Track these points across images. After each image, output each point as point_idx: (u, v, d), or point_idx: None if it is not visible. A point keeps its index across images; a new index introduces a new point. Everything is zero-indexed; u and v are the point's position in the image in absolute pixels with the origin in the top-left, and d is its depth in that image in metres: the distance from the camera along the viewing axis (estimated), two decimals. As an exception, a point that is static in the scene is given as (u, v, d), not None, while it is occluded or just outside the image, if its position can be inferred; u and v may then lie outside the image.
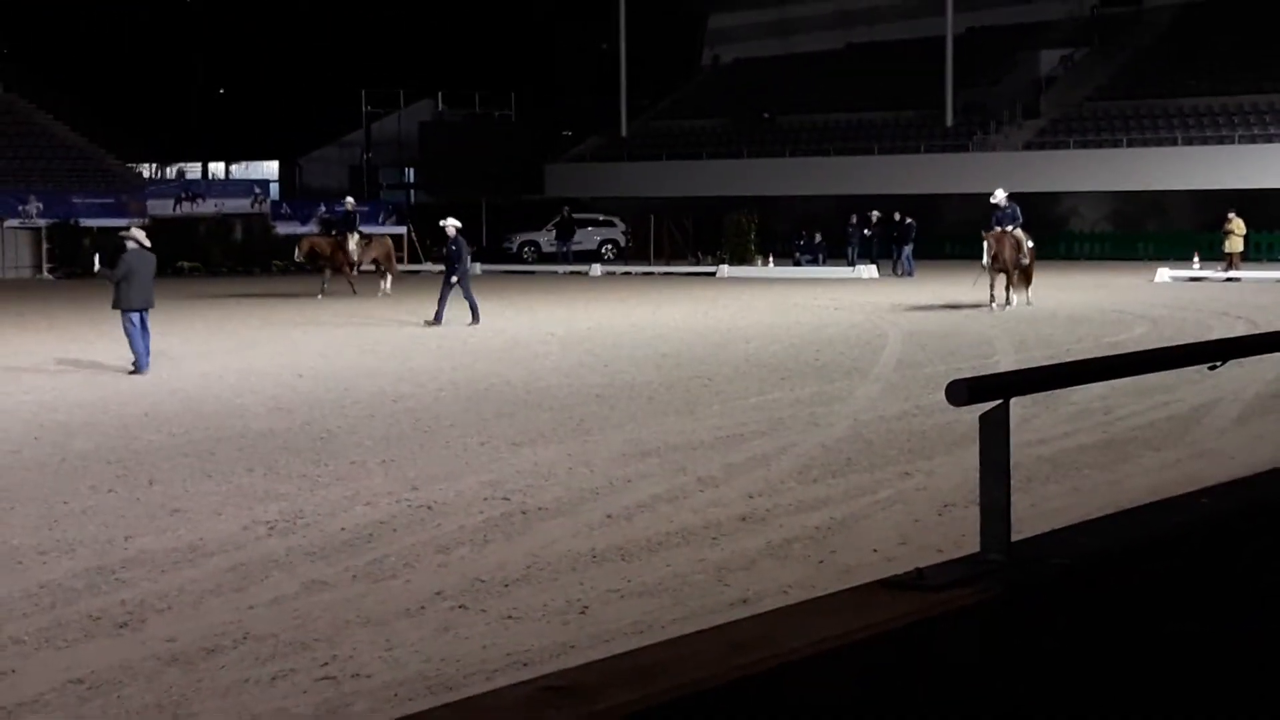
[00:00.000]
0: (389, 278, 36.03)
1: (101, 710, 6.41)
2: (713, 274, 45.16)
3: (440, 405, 15.86)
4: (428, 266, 50.71)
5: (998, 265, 28.01)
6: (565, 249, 53.29)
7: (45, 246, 48.52)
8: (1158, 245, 49.76)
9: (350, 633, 7.44)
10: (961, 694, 3.40)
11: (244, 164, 76.95)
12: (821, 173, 56.30)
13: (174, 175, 72.30)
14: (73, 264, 39.93)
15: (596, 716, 2.65)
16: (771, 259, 47.65)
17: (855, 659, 3.15)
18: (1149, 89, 55.03)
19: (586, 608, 7.84)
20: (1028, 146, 55.35)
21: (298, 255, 38.03)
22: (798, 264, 47.83)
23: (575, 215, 57.02)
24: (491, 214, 61.59)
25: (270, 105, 70.87)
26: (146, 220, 44.08)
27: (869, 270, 43.16)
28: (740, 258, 47.68)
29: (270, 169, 75.47)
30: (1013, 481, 3.96)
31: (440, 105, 69.60)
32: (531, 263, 53.46)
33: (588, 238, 55.95)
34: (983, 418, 3.85)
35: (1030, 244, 28.88)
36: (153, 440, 13.70)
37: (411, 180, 70.00)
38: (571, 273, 47.82)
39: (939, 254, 49.21)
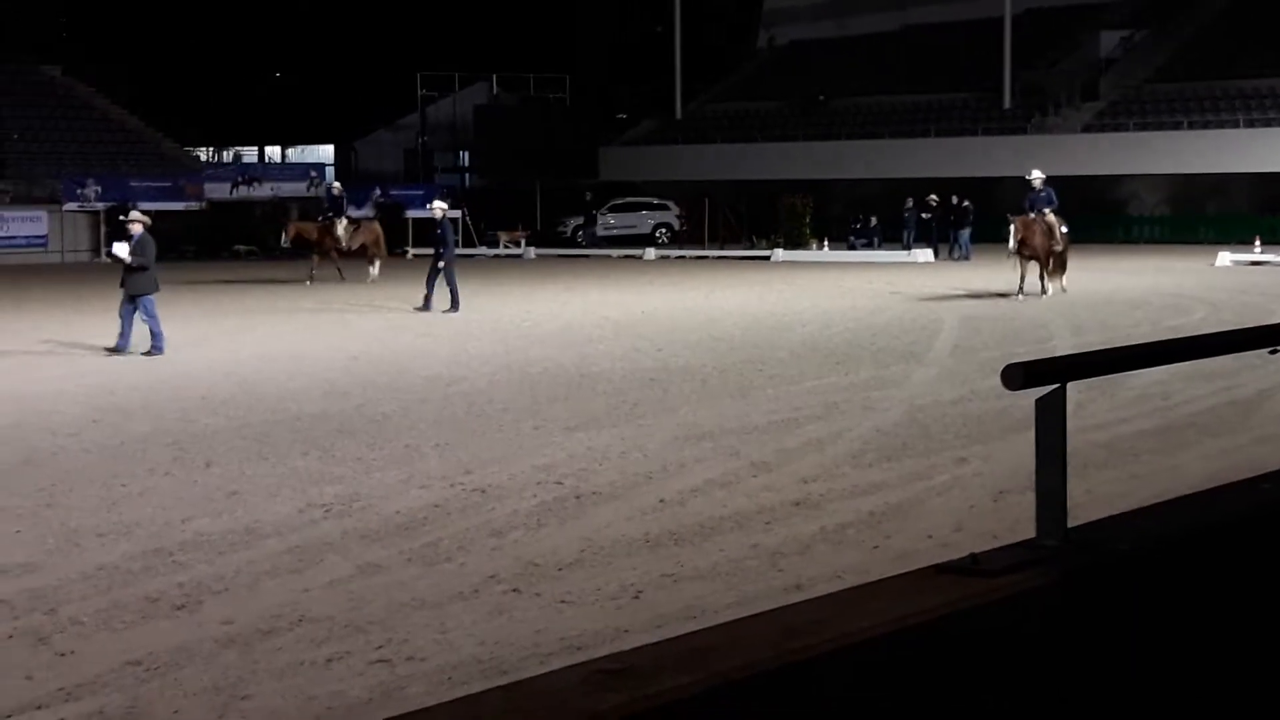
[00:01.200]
0: (377, 263, 35.16)
1: (159, 691, 6.46)
2: (767, 258, 45.04)
3: (494, 389, 15.89)
4: (482, 251, 50.87)
5: (1026, 252, 26.88)
6: (590, 233, 53.27)
7: (103, 230, 48.93)
8: (1218, 228, 49.24)
9: (405, 616, 7.47)
10: (1017, 680, 3.38)
11: (300, 147, 77.36)
12: (877, 156, 56.02)
13: (230, 159, 72.82)
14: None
15: (650, 700, 2.64)
16: (826, 243, 47.48)
17: (910, 644, 3.13)
18: (1210, 70, 54.43)
19: (640, 592, 7.83)
20: (1087, 129, 54.89)
21: (284, 240, 37.09)
22: (852, 248, 47.62)
23: (630, 199, 56.98)
24: (545, 197, 61.64)
25: (326, 89, 71.23)
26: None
27: (925, 254, 42.93)
28: (795, 241, 47.53)
29: (326, 152, 75.83)
30: (1069, 467, 3.92)
31: (495, 88, 69.67)
32: (585, 246, 53.48)
33: (642, 221, 55.91)
34: (1039, 402, 3.82)
35: (1064, 229, 27.57)
36: (209, 423, 13.79)
37: (466, 163, 70.13)
38: (625, 256, 47.80)
39: (996, 238, 48.72)
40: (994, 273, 32.05)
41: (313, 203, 52.70)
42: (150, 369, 18.16)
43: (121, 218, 20.40)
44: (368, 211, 47.61)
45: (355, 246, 35.80)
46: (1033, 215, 27.14)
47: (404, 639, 7.09)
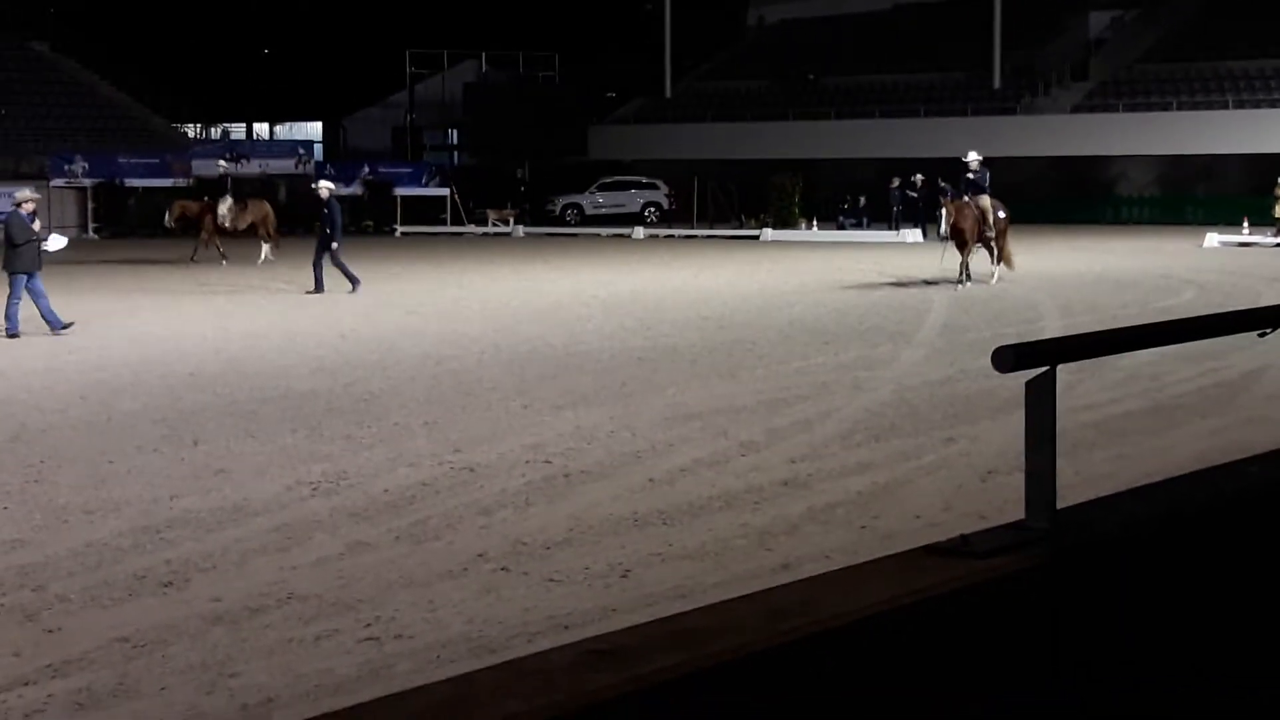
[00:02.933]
0: (266, 246, 33.99)
1: (146, 668, 6.46)
2: (756, 237, 45.04)
3: (482, 368, 15.88)
4: (470, 229, 50.80)
5: (958, 238, 25.27)
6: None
7: (90, 206, 48.83)
8: (1207, 210, 49.31)
9: (393, 594, 7.47)
10: (1006, 661, 3.38)
11: (288, 124, 77.13)
12: (867, 135, 55.99)
13: (219, 135, 72.57)
14: (118, 224, 39.86)
15: (640, 680, 2.64)
16: (815, 222, 47.48)
17: (899, 625, 3.14)
18: (1199, 51, 54.45)
19: (628, 571, 7.84)
20: (1076, 109, 54.91)
21: (168, 220, 35.59)
22: (842, 228, 47.64)
23: (618, 178, 56.91)
24: (534, 176, 61.57)
25: (315, 66, 71.00)
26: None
27: (914, 234, 42.96)
28: (784, 221, 47.55)
29: (314, 129, 75.63)
30: (1058, 448, 3.92)
31: (484, 66, 69.54)
32: (574, 225, 53.43)
33: (630, 200, 55.88)
34: (1029, 384, 3.82)
35: (1003, 213, 25.93)
36: (198, 400, 13.77)
37: (455, 142, 70.00)
38: (614, 235, 47.76)
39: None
40: (983, 252, 32.03)
41: (300, 180, 52.62)
42: (139, 346, 18.12)
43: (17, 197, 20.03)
44: (356, 189, 47.40)
45: (243, 226, 34.43)
46: (965, 199, 25.71)
47: (392, 617, 7.09)
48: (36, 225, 19.77)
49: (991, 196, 25.88)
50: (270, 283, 28.32)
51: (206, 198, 36.01)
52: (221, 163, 50.34)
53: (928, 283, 26.16)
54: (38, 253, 19.64)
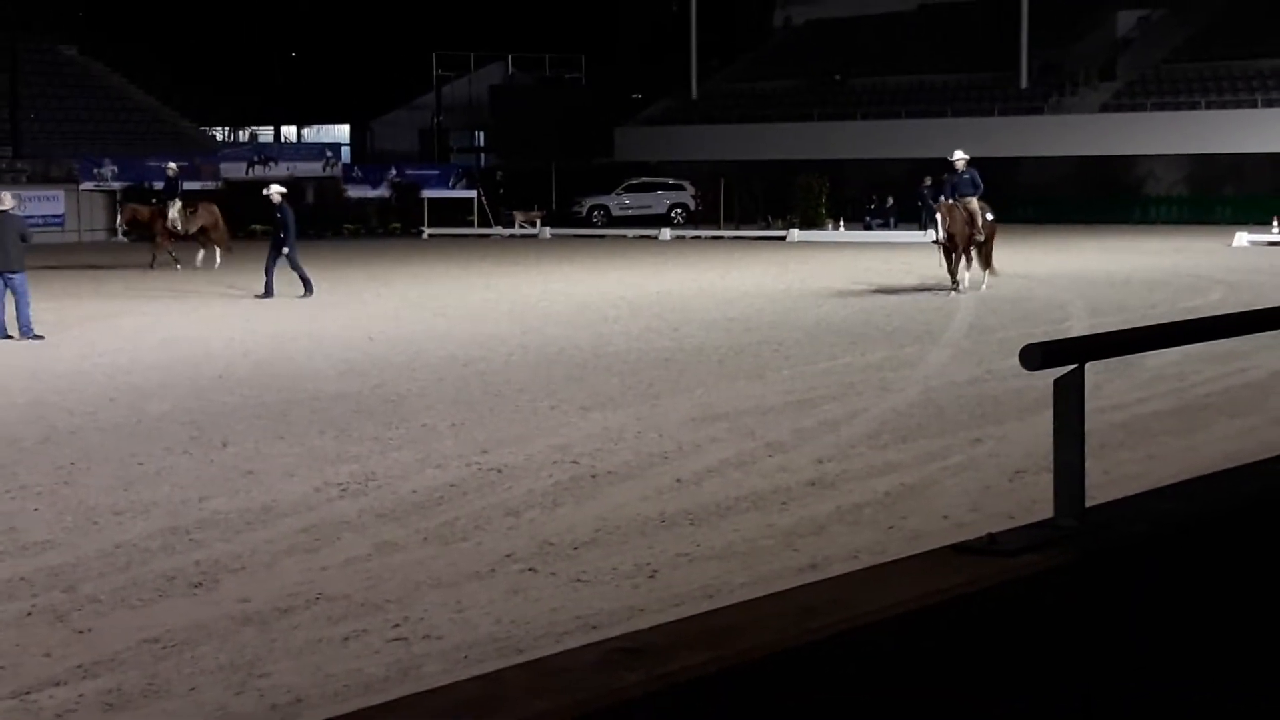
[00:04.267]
0: (216, 249, 33.33)
1: (176, 669, 6.48)
2: (783, 238, 44.99)
3: (510, 369, 15.90)
4: (497, 231, 50.87)
5: (948, 243, 24.28)
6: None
7: (119, 210, 49.01)
8: (1235, 209, 49.07)
9: (421, 594, 7.49)
10: (1034, 660, 3.38)
11: (316, 127, 77.35)
12: (893, 135, 55.87)
13: (246, 138, 72.84)
14: (146, 227, 39.74)
15: (669, 678, 2.65)
16: (842, 223, 47.41)
17: (927, 624, 3.13)
18: (1227, 50, 54.19)
19: (655, 571, 7.84)
20: (1104, 109, 54.71)
21: (119, 223, 35.20)
22: (869, 228, 47.56)
23: (645, 179, 56.93)
24: (561, 177, 61.63)
25: (342, 69, 71.17)
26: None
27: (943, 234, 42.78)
28: (810, 221, 47.51)
29: (342, 132, 75.83)
30: (1086, 447, 3.91)
31: (510, 68, 69.63)
32: (600, 226, 53.46)
33: (657, 201, 55.88)
34: (1057, 383, 3.81)
35: (990, 216, 24.81)
36: (226, 402, 13.82)
37: (482, 144, 70.12)
38: (640, 237, 47.77)
39: (1014, 218, 48.83)
40: (1011, 253, 31.92)
41: (328, 182, 52.75)
42: (168, 349, 18.19)
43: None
44: (383, 192, 47.41)
45: (193, 230, 33.75)
46: (952, 201, 24.57)
47: (420, 617, 7.10)
48: (17, 225, 19.69)
49: (980, 199, 24.84)
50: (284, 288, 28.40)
51: (155, 200, 35.15)
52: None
53: (918, 290, 25.17)
54: (16, 250, 19.46)
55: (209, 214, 34.13)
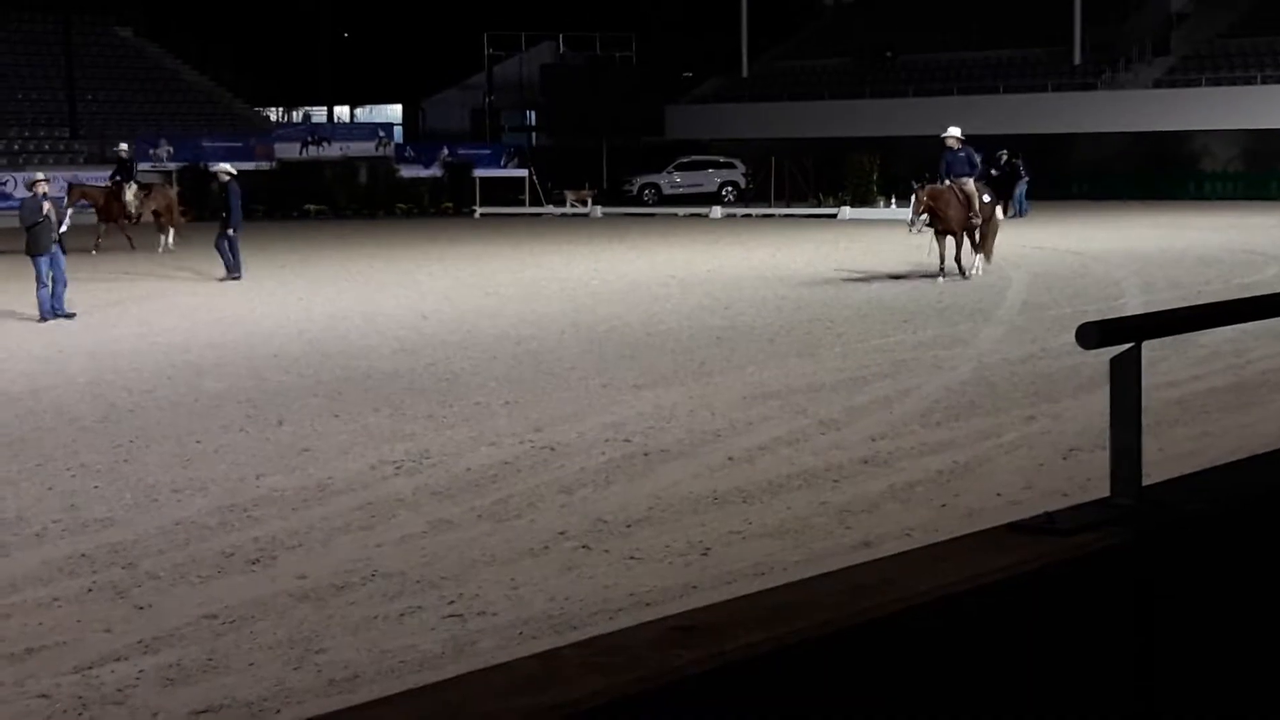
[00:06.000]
0: (170, 231, 32.48)
1: (234, 644, 6.56)
2: (834, 216, 44.83)
3: (562, 347, 15.94)
4: (549, 210, 50.91)
5: (939, 226, 22.54)
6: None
7: (175, 190, 49.29)
8: (1291, 185, 48.57)
9: (476, 571, 7.54)
10: (1091, 640, 3.37)
11: (368, 107, 77.58)
12: (945, 112, 55.23)
13: (300, 119, 73.12)
14: (201, 207, 39.74)
15: (726, 657, 2.66)
16: (894, 200, 47.19)
17: (983, 603, 3.13)
18: (1283, 24, 53.57)
19: (708, 549, 7.86)
20: (1158, 84, 54.20)
21: (66, 205, 34.16)
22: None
23: (696, 157, 56.81)
24: (612, 156, 61.60)
25: (394, 48, 71.34)
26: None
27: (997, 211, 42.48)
28: (862, 199, 47.29)
29: (394, 112, 76.03)
30: (1142, 425, 3.90)
31: (561, 47, 69.59)
32: (651, 205, 53.41)
33: (708, 180, 55.78)
34: (1114, 360, 3.79)
35: (987, 198, 23.34)
36: (282, 381, 13.93)
37: (533, 123, 70.15)
38: (691, 215, 47.73)
39: (1067, 194, 48.55)
40: (1064, 229, 31.72)
41: (380, 162, 52.88)
42: (223, 328, 18.33)
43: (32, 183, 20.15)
44: (435, 171, 47.39)
45: (147, 213, 33.21)
46: (946, 183, 22.97)
47: (475, 594, 7.15)
48: (47, 207, 19.87)
49: (977, 180, 23.47)
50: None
51: (108, 183, 34.45)
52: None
53: (894, 277, 23.57)
54: (50, 236, 19.60)
55: (163, 196, 33.82)
